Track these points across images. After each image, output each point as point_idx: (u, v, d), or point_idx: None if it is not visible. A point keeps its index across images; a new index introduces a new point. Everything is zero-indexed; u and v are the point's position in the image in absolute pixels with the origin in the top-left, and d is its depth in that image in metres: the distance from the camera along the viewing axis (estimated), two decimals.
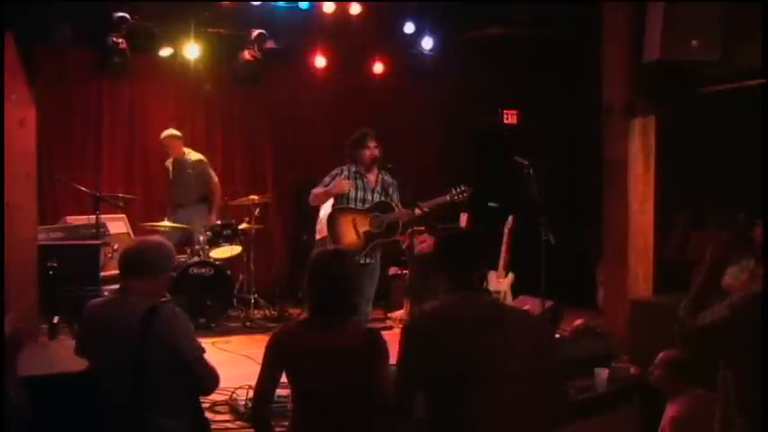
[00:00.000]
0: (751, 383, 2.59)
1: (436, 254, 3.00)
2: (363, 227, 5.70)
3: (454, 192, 5.89)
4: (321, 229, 6.75)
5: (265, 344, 3.03)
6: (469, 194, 5.93)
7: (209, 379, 3.16)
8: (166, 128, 8.50)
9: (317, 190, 5.84)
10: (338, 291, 3.02)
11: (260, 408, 3.03)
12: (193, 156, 7.79)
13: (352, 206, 5.76)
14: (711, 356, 2.79)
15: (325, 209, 6.39)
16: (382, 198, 5.80)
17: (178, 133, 7.79)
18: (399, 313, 7.58)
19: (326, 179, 5.84)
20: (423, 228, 7.24)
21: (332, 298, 3.00)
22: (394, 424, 2.92)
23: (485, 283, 2.95)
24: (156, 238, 3.53)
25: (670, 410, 3.97)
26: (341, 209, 5.75)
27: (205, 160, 7.81)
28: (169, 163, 7.85)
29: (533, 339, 2.74)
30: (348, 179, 5.77)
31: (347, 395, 2.92)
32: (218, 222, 7.55)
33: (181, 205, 7.66)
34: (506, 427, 2.64)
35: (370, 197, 5.79)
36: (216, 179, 7.81)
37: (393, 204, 5.80)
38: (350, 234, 5.67)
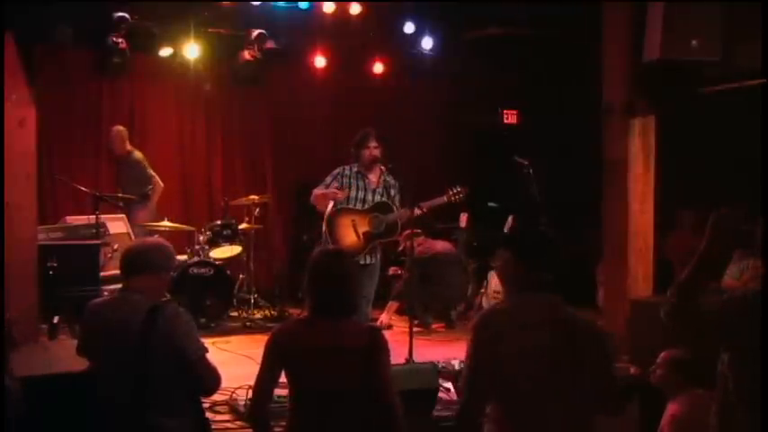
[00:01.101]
0: (750, 379, 2.59)
1: (510, 254, 2.89)
2: (363, 227, 5.70)
3: (451, 192, 5.89)
4: None
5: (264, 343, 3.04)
6: (466, 194, 5.93)
7: (211, 379, 3.15)
8: (167, 128, 8.54)
9: (318, 191, 5.85)
10: (338, 290, 3.02)
11: (258, 407, 3.03)
12: (138, 154, 7.73)
13: (352, 206, 5.75)
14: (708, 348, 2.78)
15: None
16: (383, 199, 5.80)
17: (124, 129, 7.75)
18: (384, 316, 7.27)
19: (328, 179, 5.84)
20: (420, 230, 7.21)
21: (332, 297, 3.01)
22: (397, 424, 2.93)
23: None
24: (157, 237, 3.54)
25: (670, 409, 3.97)
26: (340, 210, 5.75)
27: (146, 161, 7.75)
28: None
29: (587, 341, 2.73)
30: (348, 181, 5.77)
31: (347, 395, 2.92)
32: (219, 222, 7.55)
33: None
34: (564, 427, 2.66)
35: (370, 198, 5.79)
36: (159, 180, 7.74)
37: (392, 205, 5.80)
38: (350, 235, 5.67)
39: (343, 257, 3.15)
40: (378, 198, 5.80)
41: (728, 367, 2.67)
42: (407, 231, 5.84)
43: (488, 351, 2.68)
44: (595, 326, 2.94)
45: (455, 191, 5.89)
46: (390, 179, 5.90)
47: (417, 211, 5.68)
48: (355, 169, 5.84)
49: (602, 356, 2.77)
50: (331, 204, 5.91)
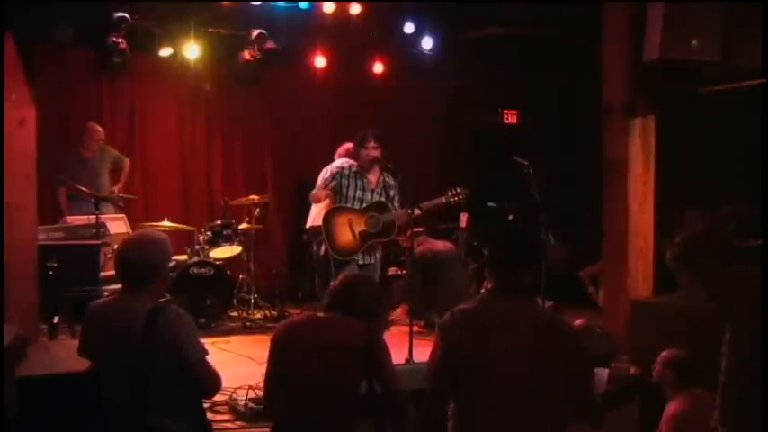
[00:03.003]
0: (752, 382, 2.60)
1: (488, 252, 2.90)
2: (359, 227, 5.69)
3: (450, 194, 5.87)
4: (314, 218, 6.75)
5: (266, 343, 3.07)
6: (465, 196, 5.92)
7: (211, 381, 3.14)
8: (167, 128, 8.54)
9: (317, 191, 5.90)
10: (355, 297, 3.07)
11: (272, 400, 3.08)
12: (112, 149, 7.80)
13: (349, 206, 5.75)
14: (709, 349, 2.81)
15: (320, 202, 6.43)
16: (381, 199, 5.80)
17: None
18: (395, 314, 7.36)
19: (327, 176, 5.85)
20: (422, 228, 7.22)
21: (346, 301, 3.06)
22: (403, 424, 2.94)
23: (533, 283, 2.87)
24: (148, 233, 3.50)
25: (669, 409, 3.99)
26: (337, 209, 5.75)
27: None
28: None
29: (570, 344, 2.73)
30: (347, 180, 5.78)
31: (337, 393, 2.93)
32: (219, 222, 7.56)
33: (105, 198, 7.30)
34: (524, 428, 2.65)
35: (369, 197, 5.78)
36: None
37: (389, 205, 5.80)
38: (346, 234, 5.67)
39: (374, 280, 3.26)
40: (376, 198, 5.80)
41: (733, 371, 2.69)
42: (409, 231, 5.84)
43: (470, 350, 2.67)
44: (576, 330, 2.95)
45: (454, 192, 5.88)
46: (390, 179, 5.89)
47: (416, 212, 5.68)
48: (355, 168, 5.84)
49: (582, 361, 2.77)
50: (325, 203, 5.92)
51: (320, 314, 3.16)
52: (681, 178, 6.49)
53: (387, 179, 5.87)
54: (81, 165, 7.47)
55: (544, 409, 2.64)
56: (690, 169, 6.65)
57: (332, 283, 3.23)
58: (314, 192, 5.95)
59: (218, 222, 7.55)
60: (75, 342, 3.50)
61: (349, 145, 6.26)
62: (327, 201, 5.92)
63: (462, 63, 9.16)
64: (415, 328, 5.91)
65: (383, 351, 3.02)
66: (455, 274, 7.45)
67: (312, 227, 6.74)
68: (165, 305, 3.07)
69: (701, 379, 3.82)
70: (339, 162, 6.07)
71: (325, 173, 5.94)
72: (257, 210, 7.60)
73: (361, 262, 5.68)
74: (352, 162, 5.90)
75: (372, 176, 5.84)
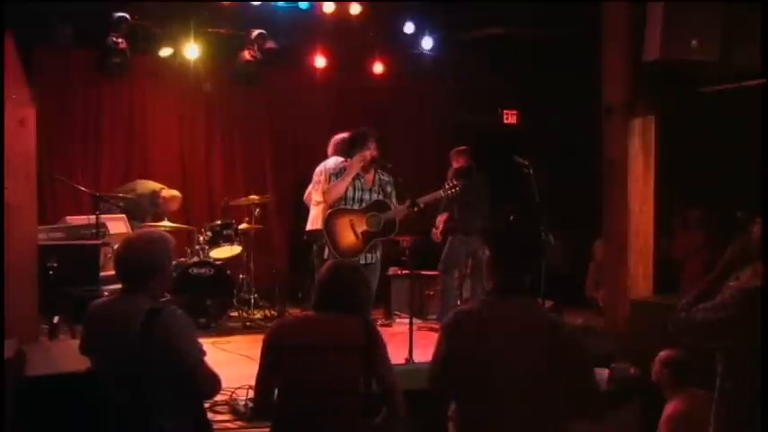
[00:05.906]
0: (751, 382, 2.60)
1: (490, 253, 2.89)
2: (361, 227, 5.69)
3: (447, 186, 5.93)
4: (313, 221, 6.73)
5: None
6: (461, 189, 5.98)
7: (209, 383, 3.12)
8: (166, 128, 8.56)
9: (336, 184, 5.67)
10: (342, 286, 3.06)
11: (264, 401, 3.07)
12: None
13: (349, 207, 5.74)
14: (705, 350, 2.82)
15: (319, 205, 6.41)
16: (380, 197, 5.80)
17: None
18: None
19: (323, 177, 5.84)
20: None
21: (334, 292, 3.05)
22: (398, 422, 2.94)
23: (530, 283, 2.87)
24: (148, 233, 3.50)
25: (668, 408, 3.99)
26: (337, 211, 5.73)
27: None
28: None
29: (555, 344, 2.72)
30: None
31: (337, 392, 2.93)
32: (219, 222, 7.56)
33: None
34: (526, 428, 2.65)
35: (367, 197, 5.78)
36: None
37: (389, 203, 5.80)
38: (348, 236, 5.67)
39: (357, 265, 3.24)
40: (374, 197, 5.79)
41: (729, 371, 2.69)
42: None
43: (471, 351, 2.67)
44: (576, 329, 2.96)
45: (451, 185, 5.94)
46: (385, 176, 5.88)
47: (416, 209, 5.68)
48: None
49: (582, 360, 2.77)
50: (318, 209, 5.91)
51: (312, 313, 3.14)
52: (681, 178, 6.50)
53: (381, 176, 5.87)
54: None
55: (545, 409, 2.64)
56: (690, 169, 6.66)
57: (317, 279, 3.22)
58: (327, 189, 5.82)
59: (218, 222, 7.56)
60: (76, 342, 3.51)
61: (342, 135, 6.24)
62: (325, 204, 5.89)
63: (462, 63, 9.16)
64: (416, 329, 5.90)
65: (382, 350, 3.02)
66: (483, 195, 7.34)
67: (311, 230, 6.72)
68: (164, 306, 3.05)
69: (699, 379, 3.82)
70: (333, 162, 6.05)
71: (320, 174, 5.93)
72: (257, 210, 7.60)
73: (362, 261, 5.67)
74: (346, 163, 5.88)
75: (368, 175, 5.84)
